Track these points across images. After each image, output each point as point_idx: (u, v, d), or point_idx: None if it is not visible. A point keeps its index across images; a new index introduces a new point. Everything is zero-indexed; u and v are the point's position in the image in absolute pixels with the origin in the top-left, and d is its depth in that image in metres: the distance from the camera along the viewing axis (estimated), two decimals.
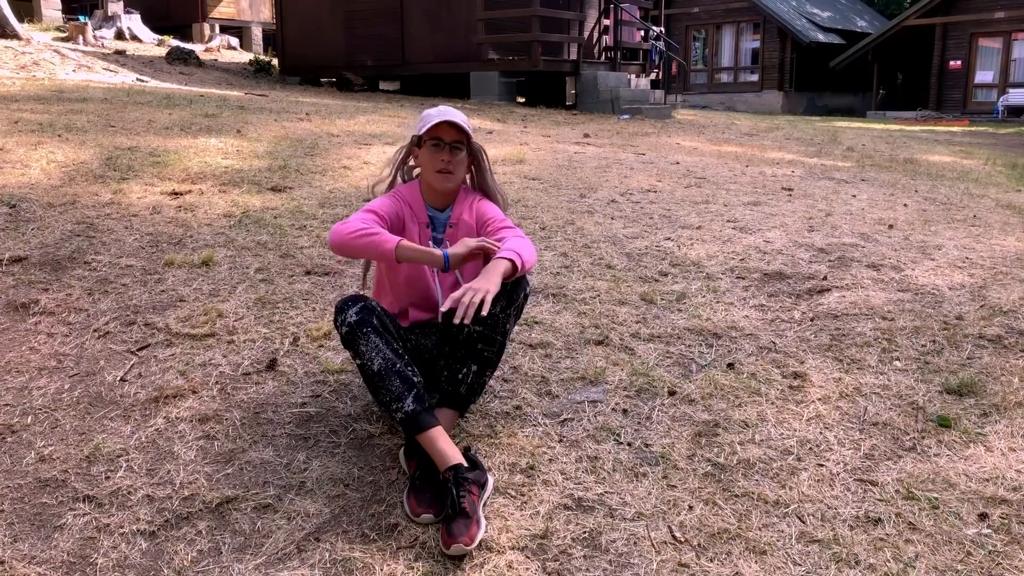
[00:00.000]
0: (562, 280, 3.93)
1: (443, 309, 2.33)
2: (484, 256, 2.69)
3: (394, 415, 2.42)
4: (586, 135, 9.56)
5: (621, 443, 2.65)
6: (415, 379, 2.43)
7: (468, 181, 2.79)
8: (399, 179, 2.78)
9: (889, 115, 22.50)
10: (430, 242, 2.67)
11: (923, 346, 3.34)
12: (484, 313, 2.29)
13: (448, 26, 13.98)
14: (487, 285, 2.32)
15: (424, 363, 2.63)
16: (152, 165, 5.43)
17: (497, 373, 3.00)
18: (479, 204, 2.72)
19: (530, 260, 2.51)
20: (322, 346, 3.17)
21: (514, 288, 2.53)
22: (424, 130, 2.59)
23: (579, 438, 2.67)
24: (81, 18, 18.97)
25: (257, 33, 24.54)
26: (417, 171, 2.73)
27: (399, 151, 2.77)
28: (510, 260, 2.42)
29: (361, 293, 2.82)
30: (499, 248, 2.46)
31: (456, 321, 2.28)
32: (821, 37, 24.78)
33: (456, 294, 2.30)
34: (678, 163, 7.50)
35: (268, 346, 3.16)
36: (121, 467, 2.47)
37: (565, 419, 2.77)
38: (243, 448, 2.57)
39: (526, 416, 2.78)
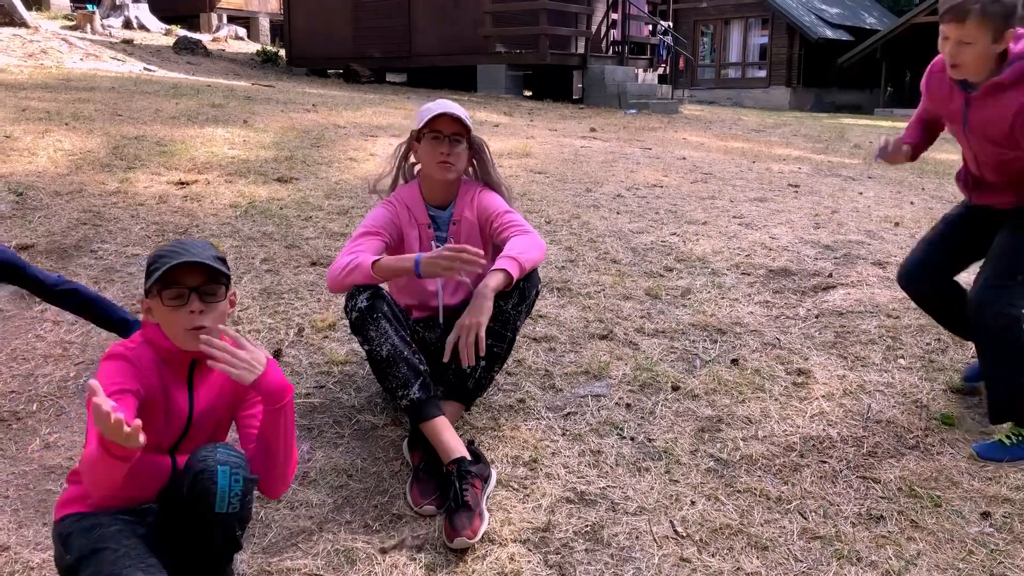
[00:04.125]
0: (567, 274, 3.93)
1: (445, 360, 2.45)
2: (493, 246, 2.69)
3: (399, 402, 2.43)
4: (592, 129, 9.54)
5: (624, 437, 2.66)
6: (422, 367, 2.44)
7: (471, 174, 2.78)
8: (400, 178, 2.77)
9: (897, 112, 22.37)
10: (433, 243, 2.66)
11: (927, 344, 3.33)
12: (482, 352, 2.38)
13: (455, 19, 13.96)
14: (477, 318, 2.38)
15: (431, 355, 2.63)
16: (159, 154, 5.43)
17: None
18: (481, 196, 2.70)
19: (531, 260, 2.52)
20: (327, 337, 3.18)
21: (526, 285, 2.55)
22: (423, 123, 2.59)
23: (582, 432, 2.67)
24: (89, 7, 18.94)
25: (264, 24, 24.52)
26: (418, 167, 2.72)
27: (399, 147, 2.76)
28: (504, 272, 2.44)
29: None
30: (479, 256, 2.34)
31: (464, 366, 2.43)
32: (829, 33, 24.68)
33: (451, 339, 2.40)
34: (684, 158, 7.48)
35: (273, 336, 3.17)
36: None
37: (568, 413, 2.77)
38: None
39: (529, 409, 2.78)
